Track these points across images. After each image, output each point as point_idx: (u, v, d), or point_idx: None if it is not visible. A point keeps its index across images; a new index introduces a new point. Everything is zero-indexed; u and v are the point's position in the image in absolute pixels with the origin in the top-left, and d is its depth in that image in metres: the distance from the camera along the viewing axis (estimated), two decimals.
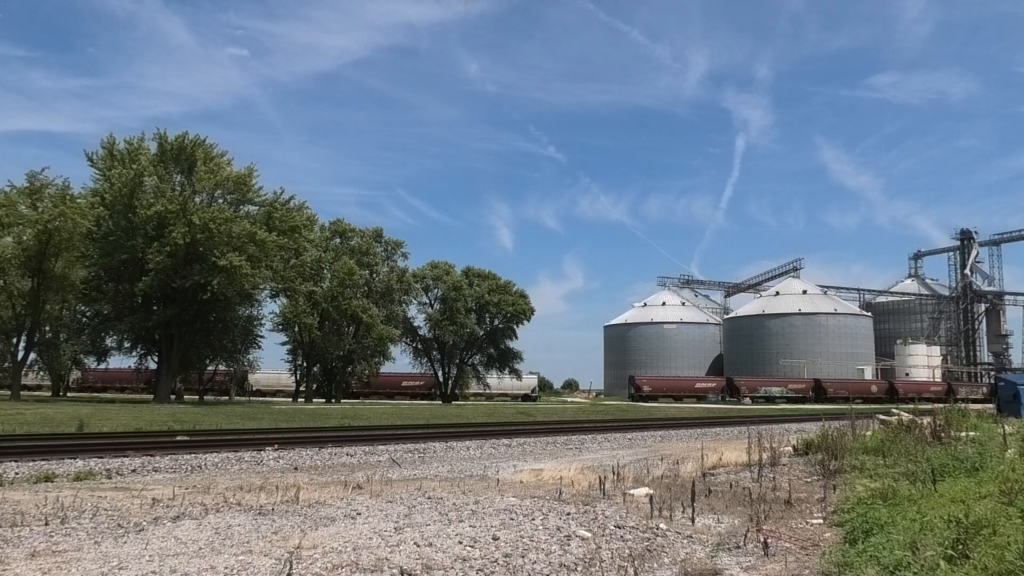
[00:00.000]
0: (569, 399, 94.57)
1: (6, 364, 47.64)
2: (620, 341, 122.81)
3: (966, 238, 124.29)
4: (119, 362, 56.03)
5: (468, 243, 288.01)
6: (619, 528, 8.26)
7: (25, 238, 42.82)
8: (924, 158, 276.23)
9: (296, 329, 56.77)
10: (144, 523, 8.24)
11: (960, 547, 6.10)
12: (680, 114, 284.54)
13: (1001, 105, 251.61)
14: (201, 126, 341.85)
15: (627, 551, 7.29)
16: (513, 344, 72.25)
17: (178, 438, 19.87)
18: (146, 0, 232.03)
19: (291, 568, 6.11)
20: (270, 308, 66.27)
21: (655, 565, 6.99)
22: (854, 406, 30.40)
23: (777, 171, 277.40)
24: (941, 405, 21.84)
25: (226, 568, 6.18)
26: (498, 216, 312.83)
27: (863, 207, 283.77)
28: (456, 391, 71.75)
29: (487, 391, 77.20)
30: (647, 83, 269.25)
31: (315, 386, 62.25)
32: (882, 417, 21.92)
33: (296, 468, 15.31)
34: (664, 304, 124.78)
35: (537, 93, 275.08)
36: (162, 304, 45.55)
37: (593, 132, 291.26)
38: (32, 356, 49.05)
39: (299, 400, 58.33)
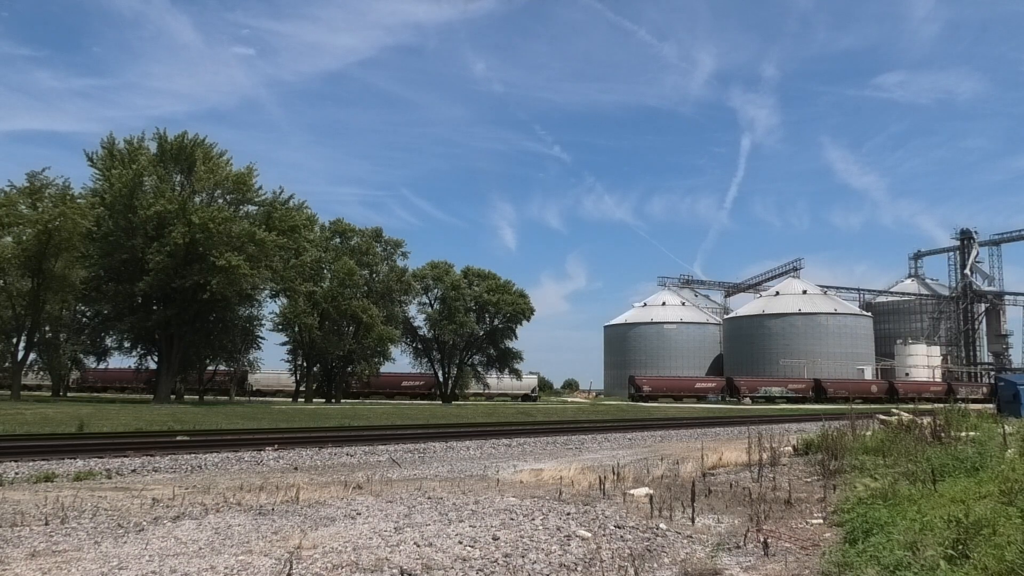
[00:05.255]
0: (569, 399, 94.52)
1: (6, 364, 47.60)
2: (620, 341, 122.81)
3: (966, 238, 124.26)
4: (119, 362, 56.27)
5: (472, 243, 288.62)
6: (619, 528, 8.26)
7: (25, 238, 42.78)
8: (930, 158, 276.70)
9: (296, 329, 56.75)
10: (144, 523, 8.24)
11: (960, 547, 6.09)
12: (686, 114, 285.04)
13: (1008, 105, 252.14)
14: (206, 126, 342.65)
15: (627, 551, 7.29)
16: (513, 344, 72.25)
17: (178, 438, 19.88)
18: None
19: (291, 568, 6.10)
20: (270, 308, 66.37)
21: (655, 565, 6.99)
22: (854, 406, 30.39)
23: (782, 171, 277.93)
24: (941, 405, 21.83)
25: (226, 568, 6.18)
26: (502, 216, 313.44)
27: (867, 207, 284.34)
28: (456, 391, 71.73)
29: (487, 391, 77.21)
30: (654, 83, 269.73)
31: (315, 386, 62.23)
32: (882, 417, 21.90)
33: (296, 468, 15.31)
34: (664, 304, 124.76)
35: (543, 93, 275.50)
36: (162, 304, 45.56)
37: (599, 132, 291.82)
38: (32, 356, 49.02)
39: (299, 400, 58.32)
